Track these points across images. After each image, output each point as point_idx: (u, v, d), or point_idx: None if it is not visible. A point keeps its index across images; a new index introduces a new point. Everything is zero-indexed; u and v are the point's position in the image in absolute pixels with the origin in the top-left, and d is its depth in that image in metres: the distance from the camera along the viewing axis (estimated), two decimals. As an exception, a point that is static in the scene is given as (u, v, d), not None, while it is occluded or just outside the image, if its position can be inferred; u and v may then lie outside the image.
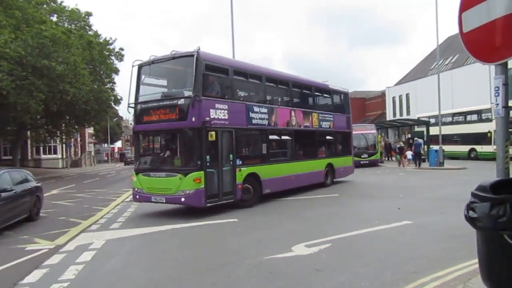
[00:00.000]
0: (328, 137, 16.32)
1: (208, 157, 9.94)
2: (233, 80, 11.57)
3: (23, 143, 37.09)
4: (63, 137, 36.76)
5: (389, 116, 48.26)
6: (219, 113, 10.52)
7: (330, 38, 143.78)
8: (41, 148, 42.89)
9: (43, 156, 43.16)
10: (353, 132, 27.22)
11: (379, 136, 29.64)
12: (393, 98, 48.99)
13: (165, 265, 6.16)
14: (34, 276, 5.66)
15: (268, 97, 13.37)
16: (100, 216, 10.64)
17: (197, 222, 9.37)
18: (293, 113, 13.85)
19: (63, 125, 33.52)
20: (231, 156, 10.75)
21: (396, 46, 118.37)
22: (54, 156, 44.02)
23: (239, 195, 10.91)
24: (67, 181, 24.79)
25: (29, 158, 41.32)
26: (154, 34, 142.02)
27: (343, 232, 7.68)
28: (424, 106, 35.63)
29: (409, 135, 28.55)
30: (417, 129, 31.15)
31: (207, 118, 9.99)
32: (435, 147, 24.12)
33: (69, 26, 30.34)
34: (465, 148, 28.27)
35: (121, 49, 32.89)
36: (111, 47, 32.39)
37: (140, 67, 11.19)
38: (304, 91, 15.18)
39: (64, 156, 45.61)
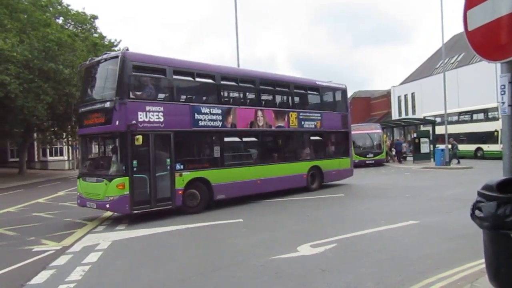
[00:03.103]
0: (313, 138, 14.98)
1: (135, 162, 9.55)
2: (174, 80, 10.85)
3: (30, 145, 37.35)
4: (69, 139, 36.96)
5: (395, 116, 48.07)
6: (151, 115, 9.94)
7: (334, 37, 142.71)
8: (48, 150, 43.14)
9: (49, 158, 43.41)
10: (358, 132, 27.46)
11: (385, 135, 29.52)
12: (399, 97, 48.78)
13: (170, 266, 6.18)
14: (42, 277, 5.70)
15: (224, 97, 12.65)
16: (106, 217, 10.69)
17: (203, 223, 9.38)
18: (259, 113, 12.81)
19: (69, 127, 33.72)
20: (168, 160, 10.21)
21: (401, 45, 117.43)
22: (61, 158, 44.26)
23: (179, 201, 10.34)
24: (73, 183, 24.83)
25: (36, 160, 41.60)
26: (158, 36, 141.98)
27: (349, 232, 7.66)
28: (430, 105, 35.44)
29: (415, 135, 28.39)
30: (422, 128, 30.96)
31: (134, 122, 9.52)
32: (441, 147, 24.00)
33: (75, 29, 30.53)
34: (472, 147, 28.06)
35: (126, 49, 33.06)
36: (116, 48, 32.51)
37: (81, 70, 11.11)
38: (278, 89, 14.13)
39: (70, 158, 45.85)
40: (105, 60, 10.45)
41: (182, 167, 10.48)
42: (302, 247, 6.67)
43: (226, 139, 11.85)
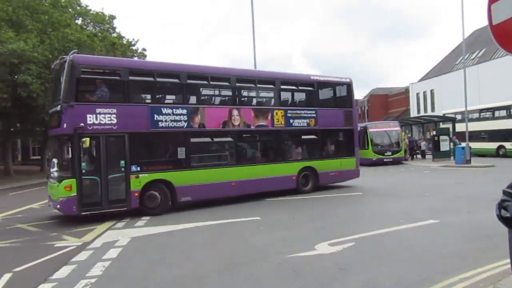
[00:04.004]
0: (306, 137, 13.98)
1: (84, 164, 9.69)
2: (129, 82, 10.57)
3: (51, 144, 38.20)
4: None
5: (413, 113, 47.29)
6: (102, 118, 9.87)
7: (351, 34, 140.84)
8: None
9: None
10: (376, 130, 27.21)
11: (403, 133, 29.11)
12: (417, 94, 47.99)
13: (189, 262, 6.23)
14: (63, 272, 5.83)
15: (191, 97, 12.06)
16: (125, 215, 10.82)
17: (220, 220, 9.43)
18: (235, 112, 12.17)
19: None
20: (122, 162, 10.12)
21: (420, 40, 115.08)
22: (80, 155, 45.08)
23: (135, 203, 10.26)
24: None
25: (57, 157, 42.54)
26: (176, 34, 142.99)
27: (367, 230, 7.59)
28: (450, 102, 34.75)
29: (434, 132, 27.88)
30: (442, 126, 30.38)
31: (81, 124, 9.53)
32: (462, 144, 23.51)
33: (94, 29, 31.00)
34: (493, 145, 27.37)
35: (144, 49, 33.34)
36: (134, 47, 32.90)
37: (51, 72, 11.36)
38: (259, 86, 13.29)
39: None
40: (58, 63, 10.59)
41: (139, 168, 10.36)
42: (319, 245, 6.64)
43: (192, 140, 11.42)
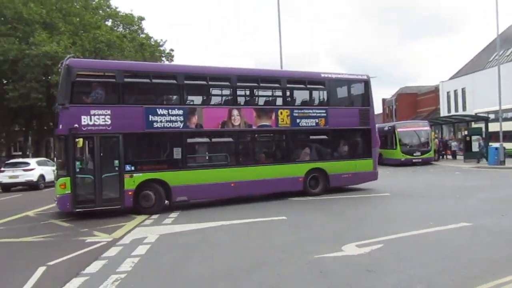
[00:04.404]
0: (314, 137, 13.52)
1: (78, 163, 10.10)
2: (124, 84, 10.83)
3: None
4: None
5: (443, 112, 45.93)
6: (96, 119, 10.17)
7: (378, 31, 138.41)
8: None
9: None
10: (404, 129, 26.64)
11: (433, 133, 28.36)
12: (448, 93, 46.57)
13: (215, 260, 6.28)
14: (94, 267, 5.99)
15: (189, 97, 12.14)
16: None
17: (246, 219, 9.46)
18: (234, 112, 11.97)
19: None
20: (116, 162, 10.36)
21: (450, 37, 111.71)
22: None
23: (129, 202, 10.43)
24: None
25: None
26: (203, 35, 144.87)
27: (396, 232, 7.42)
28: (482, 101, 33.54)
29: (466, 132, 27.00)
30: (474, 125, 29.39)
31: (76, 125, 9.90)
32: (495, 145, 22.67)
33: (123, 30, 31.75)
34: (529, 146, 26.28)
35: (171, 50, 33.91)
36: (162, 48, 33.48)
37: None
38: (262, 85, 13.09)
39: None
40: (59, 67, 11.02)
41: (133, 168, 10.56)
42: (347, 246, 6.56)
43: (188, 140, 11.44)
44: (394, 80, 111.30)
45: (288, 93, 13.27)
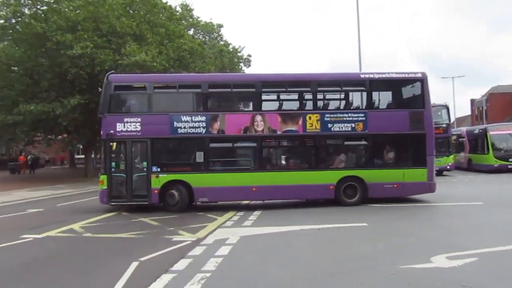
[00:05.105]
0: (349, 143, 12.66)
1: (114, 163, 11.86)
2: (153, 94, 12.26)
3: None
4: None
5: (545, 113, 41.18)
6: (128, 126, 11.75)
7: (464, 26, 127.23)
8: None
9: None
10: (498, 133, 24.31)
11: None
12: (551, 91, 41.67)
13: (297, 264, 6.27)
14: (181, 264, 6.31)
15: (212, 104, 12.78)
16: (233, 214, 11.36)
17: (325, 225, 9.32)
18: (258, 117, 12.09)
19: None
20: (145, 163, 11.88)
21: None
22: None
23: (155, 199, 11.80)
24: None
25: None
26: (277, 41, 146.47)
27: (491, 245, 6.82)
28: None
29: None
30: None
31: (112, 131, 11.70)
32: None
33: (203, 38, 33.27)
34: None
35: (249, 55, 34.81)
36: (240, 54, 34.48)
37: None
38: (290, 89, 13.06)
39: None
40: (105, 81, 12.56)
41: (159, 169, 11.84)
42: (436, 257, 6.15)
43: (212, 144, 12.11)
44: (484, 78, 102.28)
45: (319, 97, 12.86)
